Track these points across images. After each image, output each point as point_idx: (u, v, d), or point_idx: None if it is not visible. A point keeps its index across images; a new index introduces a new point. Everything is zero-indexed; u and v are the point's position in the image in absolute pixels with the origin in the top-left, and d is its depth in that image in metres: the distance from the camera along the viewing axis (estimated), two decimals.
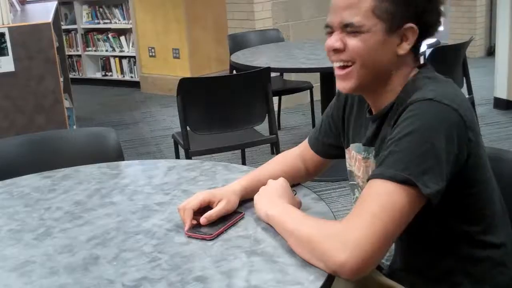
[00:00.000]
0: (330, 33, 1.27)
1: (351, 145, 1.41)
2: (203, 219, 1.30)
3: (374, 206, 1.10)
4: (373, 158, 1.31)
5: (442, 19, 1.29)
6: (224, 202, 1.34)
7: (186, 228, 1.29)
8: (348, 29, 1.23)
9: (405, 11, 1.22)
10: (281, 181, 1.37)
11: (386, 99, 1.28)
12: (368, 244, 1.07)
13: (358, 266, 1.06)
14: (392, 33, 1.23)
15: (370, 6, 1.21)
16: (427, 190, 1.10)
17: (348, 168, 1.45)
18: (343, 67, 1.27)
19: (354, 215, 1.12)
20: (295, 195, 1.37)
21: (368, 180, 1.16)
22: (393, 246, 1.33)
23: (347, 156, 1.44)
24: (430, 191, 1.11)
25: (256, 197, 1.35)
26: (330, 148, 1.50)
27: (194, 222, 1.31)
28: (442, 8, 1.27)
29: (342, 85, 1.29)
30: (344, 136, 1.45)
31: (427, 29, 1.26)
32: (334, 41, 1.25)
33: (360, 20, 1.22)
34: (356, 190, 1.42)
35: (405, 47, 1.25)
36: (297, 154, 1.55)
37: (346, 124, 1.44)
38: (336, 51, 1.26)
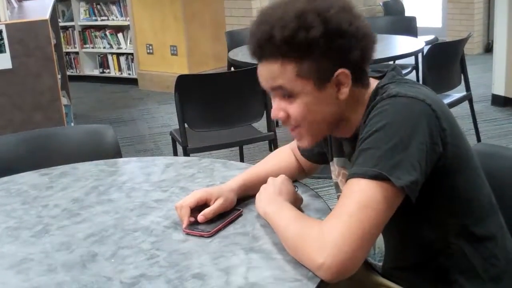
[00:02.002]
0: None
1: (334, 159, 1.41)
2: (200, 217, 1.30)
3: (350, 205, 1.10)
4: None
5: (373, 44, 1.24)
6: (221, 200, 1.34)
7: (184, 225, 1.29)
8: (280, 92, 1.23)
9: (326, 62, 1.19)
10: (282, 178, 1.37)
11: (355, 124, 1.27)
12: (346, 244, 1.06)
13: (337, 267, 1.05)
14: (324, 87, 1.21)
15: (292, 72, 1.20)
16: (400, 182, 1.09)
17: (334, 180, 1.45)
18: (293, 128, 1.28)
19: (331, 216, 1.12)
20: (297, 191, 1.37)
21: (346, 181, 1.16)
22: (383, 246, 1.33)
23: (332, 168, 1.44)
24: (403, 183, 1.09)
25: (257, 195, 1.35)
26: (319, 156, 1.49)
27: (192, 219, 1.31)
28: (366, 35, 1.22)
29: (300, 144, 1.32)
30: (328, 149, 1.44)
31: (358, 64, 1.23)
32: (276, 112, 1.26)
33: (289, 85, 1.21)
34: None
35: (344, 91, 1.22)
36: (291, 151, 1.55)
37: (328, 137, 1.42)
38: (282, 119, 1.26)
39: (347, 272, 1.07)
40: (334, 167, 1.42)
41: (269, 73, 1.23)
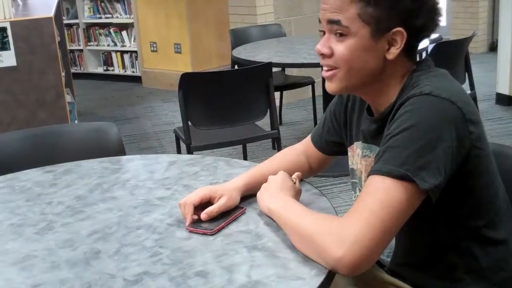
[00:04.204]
0: (322, 31, 1.28)
1: (355, 143, 1.41)
2: (203, 215, 1.30)
3: (372, 202, 1.10)
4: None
5: (437, 21, 1.25)
6: (225, 198, 1.34)
7: (187, 223, 1.29)
8: (335, 27, 1.23)
9: (390, 15, 1.20)
10: (281, 174, 1.37)
11: (384, 101, 1.27)
12: (366, 240, 1.07)
13: (355, 261, 1.06)
14: (378, 38, 1.22)
15: (355, 10, 1.21)
16: (425, 185, 1.10)
17: (350, 166, 1.44)
18: (328, 70, 1.28)
19: (353, 211, 1.12)
20: (295, 183, 1.37)
21: (368, 176, 1.16)
22: (393, 241, 1.34)
23: (349, 154, 1.44)
24: (428, 186, 1.10)
25: (258, 193, 1.35)
26: (334, 145, 1.50)
27: (195, 217, 1.31)
28: (436, 9, 1.24)
29: (328, 86, 1.31)
30: (346, 134, 1.45)
31: (417, 32, 1.24)
32: (322, 46, 1.26)
33: (346, 22, 1.22)
34: (357, 188, 1.42)
35: (393, 52, 1.23)
36: (301, 150, 1.55)
37: (348, 121, 1.43)
38: (324, 56, 1.26)
39: (363, 267, 1.08)
40: (354, 151, 1.42)
41: (334, 2, 1.22)
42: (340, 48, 1.23)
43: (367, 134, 1.34)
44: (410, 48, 1.25)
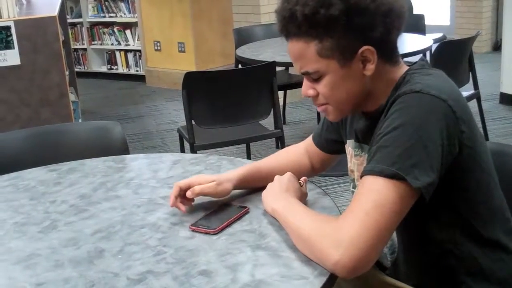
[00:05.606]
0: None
1: (347, 141, 1.41)
2: (188, 192, 1.34)
3: (366, 203, 1.10)
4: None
5: (399, 21, 1.23)
6: (214, 183, 1.36)
7: (171, 203, 1.34)
8: (308, 76, 1.26)
9: (348, 40, 1.20)
10: (288, 175, 1.37)
11: (377, 102, 1.28)
12: (362, 242, 1.06)
13: (352, 264, 1.06)
14: (349, 64, 1.22)
15: (314, 51, 1.21)
16: (417, 183, 1.09)
17: (348, 164, 1.45)
18: (320, 105, 1.31)
19: (347, 213, 1.12)
20: (301, 186, 1.37)
21: (361, 177, 1.16)
22: (395, 242, 1.33)
23: (346, 151, 1.44)
24: (420, 184, 1.10)
25: (263, 192, 1.35)
26: (333, 144, 1.50)
27: (183, 209, 1.34)
28: (391, 10, 1.20)
29: (329, 118, 1.35)
30: (343, 132, 1.45)
31: (384, 40, 1.22)
32: (305, 89, 1.29)
33: (312, 66, 1.23)
34: (352, 185, 1.43)
35: (370, 68, 1.23)
36: (303, 149, 1.55)
37: (344, 119, 1.43)
38: (311, 96, 1.29)
39: (361, 269, 1.08)
40: (347, 149, 1.42)
41: (294, 53, 1.25)
42: (320, 87, 1.26)
43: (358, 132, 1.35)
44: (385, 55, 1.24)
